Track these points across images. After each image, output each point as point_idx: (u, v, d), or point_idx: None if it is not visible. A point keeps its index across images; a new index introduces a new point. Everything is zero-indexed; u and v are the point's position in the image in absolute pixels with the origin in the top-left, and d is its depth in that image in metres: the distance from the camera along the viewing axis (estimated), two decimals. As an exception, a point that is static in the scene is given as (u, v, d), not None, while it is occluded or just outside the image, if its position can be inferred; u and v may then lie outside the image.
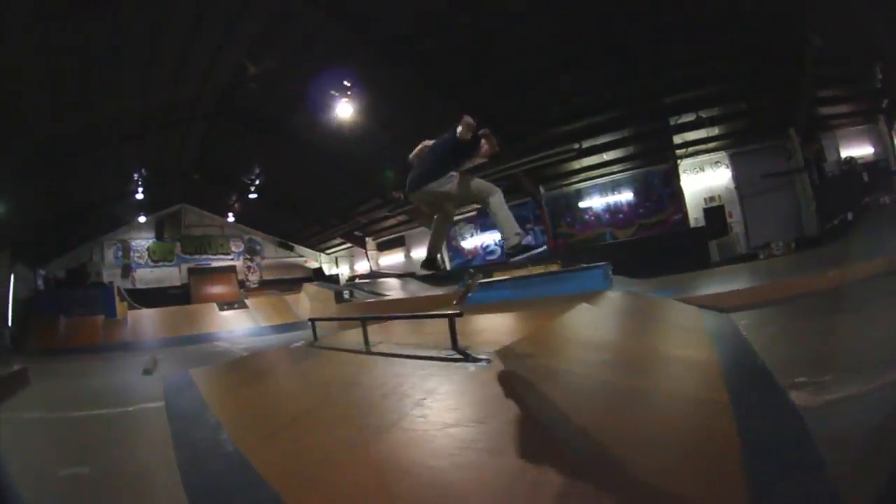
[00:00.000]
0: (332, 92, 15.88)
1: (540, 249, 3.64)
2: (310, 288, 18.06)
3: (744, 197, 14.96)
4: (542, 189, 18.44)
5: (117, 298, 19.00)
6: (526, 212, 18.58)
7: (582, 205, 17.93)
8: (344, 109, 15.83)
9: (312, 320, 6.91)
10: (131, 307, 19.56)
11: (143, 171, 19.88)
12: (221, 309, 19.26)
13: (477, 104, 13.46)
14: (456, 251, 22.46)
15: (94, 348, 14.76)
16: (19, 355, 12.80)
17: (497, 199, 3.36)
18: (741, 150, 14.93)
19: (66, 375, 9.19)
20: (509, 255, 3.49)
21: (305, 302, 17.54)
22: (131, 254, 25.06)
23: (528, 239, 3.89)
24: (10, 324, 16.25)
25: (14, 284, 17.56)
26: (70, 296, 18.59)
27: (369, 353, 4.35)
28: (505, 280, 9.64)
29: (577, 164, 16.85)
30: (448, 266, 21.35)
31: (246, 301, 20.60)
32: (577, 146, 15.38)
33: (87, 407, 4.93)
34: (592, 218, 17.24)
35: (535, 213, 18.75)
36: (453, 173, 3.38)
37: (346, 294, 17.17)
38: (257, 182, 21.67)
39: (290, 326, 16.24)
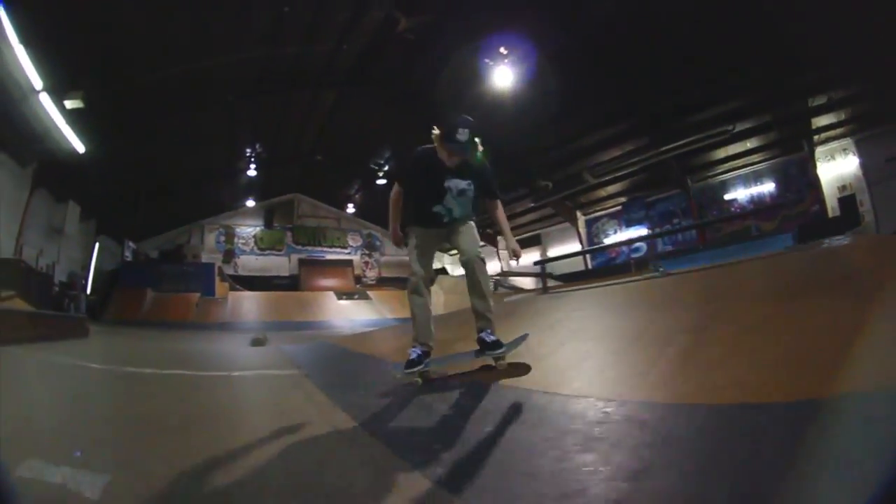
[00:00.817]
0: (487, 60, 13.28)
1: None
2: (445, 280, 15.86)
3: (871, 184, 14.01)
4: (689, 181, 17.25)
5: (217, 278, 17.53)
6: (672, 205, 17.92)
7: (727, 197, 17.01)
8: (501, 77, 13.12)
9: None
10: (233, 289, 17.99)
11: (256, 146, 18.76)
12: (339, 298, 17.26)
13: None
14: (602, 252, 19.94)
15: (184, 325, 12.89)
16: (93, 322, 11.30)
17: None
18: (867, 134, 14.02)
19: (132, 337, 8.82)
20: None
21: (439, 295, 15.03)
22: (235, 240, 24.14)
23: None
24: (88, 291, 15.41)
25: (98, 255, 16.95)
26: (162, 270, 17.47)
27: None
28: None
29: (722, 153, 16.14)
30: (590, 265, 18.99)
31: (368, 293, 18.27)
32: (731, 128, 14.60)
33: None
34: (738, 210, 16.45)
35: (683, 206, 17.69)
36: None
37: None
38: (386, 168, 19.68)
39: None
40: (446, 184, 2.90)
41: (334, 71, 14.91)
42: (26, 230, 11.88)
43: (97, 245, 17.46)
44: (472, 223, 3.08)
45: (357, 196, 24.81)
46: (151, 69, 11.98)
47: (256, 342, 8.07)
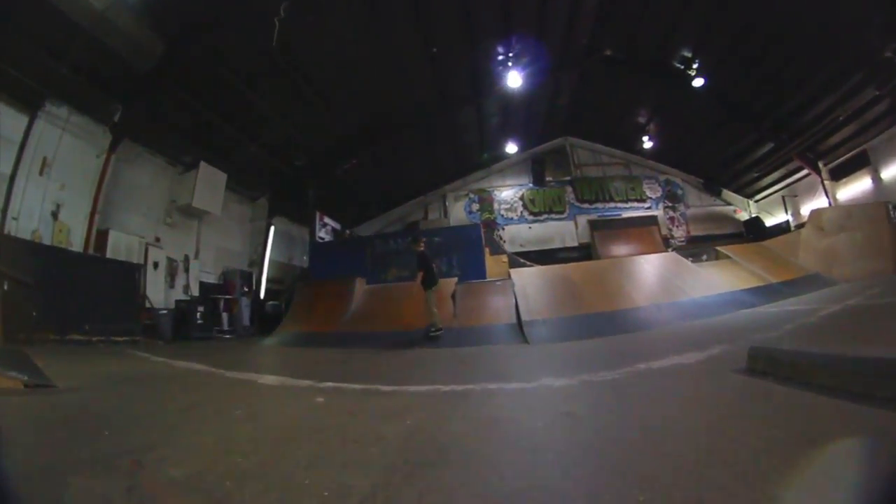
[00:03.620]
0: None
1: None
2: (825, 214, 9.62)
3: None
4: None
5: (486, 250, 11.18)
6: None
7: None
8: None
9: None
10: (513, 264, 11.47)
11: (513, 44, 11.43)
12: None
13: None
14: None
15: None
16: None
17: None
18: None
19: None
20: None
21: (811, 240, 9.26)
22: (495, 205, 17.91)
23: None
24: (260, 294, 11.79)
25: (273, 242, 13.12)
26: (379, 249, 11.69)
27: None
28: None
29: None
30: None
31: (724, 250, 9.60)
32: None
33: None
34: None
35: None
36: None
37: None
38: (696, 74, 12.23)
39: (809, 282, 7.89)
40: (431, 263, 7.43)
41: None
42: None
43: (272, 230, 13.32)
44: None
45: (650, 126, 16.16)
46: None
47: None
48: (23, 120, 7.34)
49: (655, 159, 18.18)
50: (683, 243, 16.82)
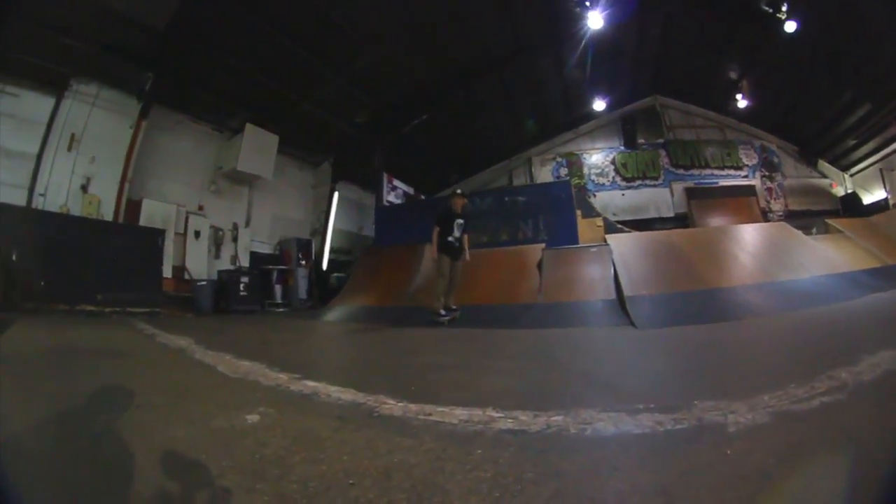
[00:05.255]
0: None
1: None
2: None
3: None
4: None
5: (578, 213, 9.15)
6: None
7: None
8: None
9: None
10: (610, 229, 9.48)
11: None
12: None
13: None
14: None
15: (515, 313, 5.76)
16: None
17: None
18: None
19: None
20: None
21: None
22: (584, 170, 15.78)
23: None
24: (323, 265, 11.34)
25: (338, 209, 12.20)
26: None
27: None
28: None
29: None
30: None
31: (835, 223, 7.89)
32: None
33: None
34: None
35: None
36: None
37: None
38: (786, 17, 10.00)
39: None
40: (454, 223, 5.89)
41: None
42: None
43: (335, 196, 12.12)
44: (461, 265, 5.94)
45: (743, 82, 13.53)
46: None
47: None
48: (49, 102, 7.19)
49: (749, 122, 15.36)
50: (782, 217, 14.08)
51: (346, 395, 2.19)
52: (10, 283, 5.38)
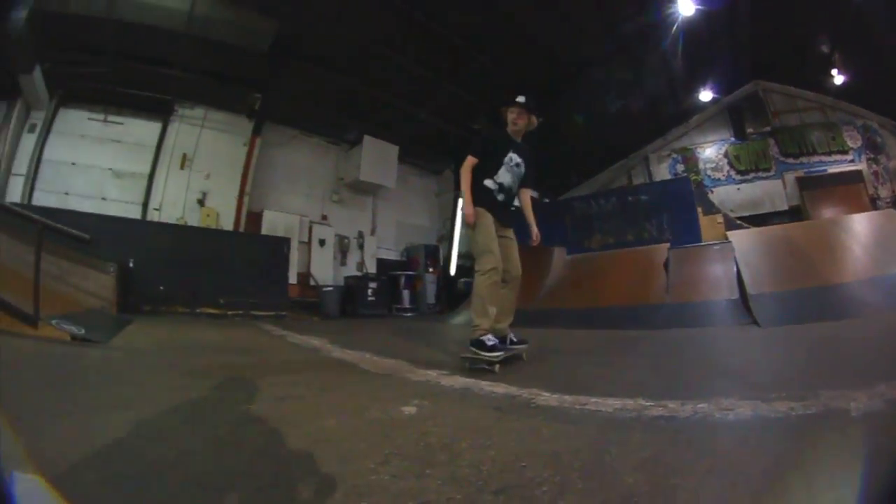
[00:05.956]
0: None
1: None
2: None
3: None
4: None
5: (699, 210, 9.43)
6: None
7: None
8: None
9: None
10: (730, 225, 9.66)
11: None
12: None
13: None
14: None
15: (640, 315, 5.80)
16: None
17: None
18: None
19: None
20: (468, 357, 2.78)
21: None
22: (700, 165, 15.26)
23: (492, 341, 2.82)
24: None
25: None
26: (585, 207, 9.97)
27: None
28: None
29: None
30: None
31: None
32: None
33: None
34: None
35: None
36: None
37: None
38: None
39: None
40: (506, 157, 3.21)
41: None
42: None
43: (460, 202, 12.06)
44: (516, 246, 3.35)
45: (836, 54, 12.38)
46: None
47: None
48: (155, 126, 7.97)
49: (847, 99, 13.80)
50: (890, 205, 12.85)
51: (499, 388, 2.28)
52: (127, 287, 5.89)
